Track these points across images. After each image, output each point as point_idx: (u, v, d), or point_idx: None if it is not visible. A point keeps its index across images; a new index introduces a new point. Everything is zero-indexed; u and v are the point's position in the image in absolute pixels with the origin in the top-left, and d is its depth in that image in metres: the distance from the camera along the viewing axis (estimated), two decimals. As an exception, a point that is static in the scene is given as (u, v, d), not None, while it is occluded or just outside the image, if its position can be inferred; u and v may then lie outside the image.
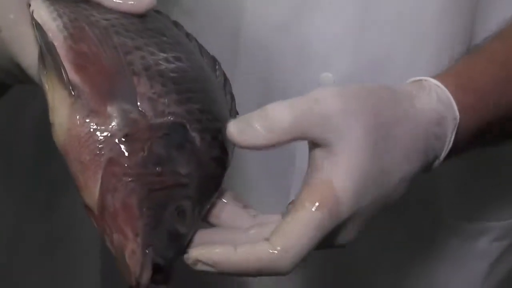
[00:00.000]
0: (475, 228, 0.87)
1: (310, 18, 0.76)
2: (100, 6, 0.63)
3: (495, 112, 0.66)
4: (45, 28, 0.60)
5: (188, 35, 0.67)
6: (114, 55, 0.59)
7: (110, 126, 0.57)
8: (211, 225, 0.62)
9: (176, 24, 0.68)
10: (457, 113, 0.63)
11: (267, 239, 0.56)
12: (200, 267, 0.57)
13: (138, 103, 0.58)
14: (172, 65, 0.61)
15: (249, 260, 0.56)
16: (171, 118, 0.59)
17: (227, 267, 0.56)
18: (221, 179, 0.61)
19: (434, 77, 0.64)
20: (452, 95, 0.64)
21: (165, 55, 0.61)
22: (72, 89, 0.57)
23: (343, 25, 0.76)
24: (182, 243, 0.58)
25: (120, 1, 0.62)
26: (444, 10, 0.75)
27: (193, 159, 0.59)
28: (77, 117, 0.57)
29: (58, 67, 0.58)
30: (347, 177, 0.57)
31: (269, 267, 0.56)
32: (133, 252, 0.56)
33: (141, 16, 0.63)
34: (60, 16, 0.61)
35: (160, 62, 0.60)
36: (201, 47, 0.67)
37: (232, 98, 0.66)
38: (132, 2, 0.62)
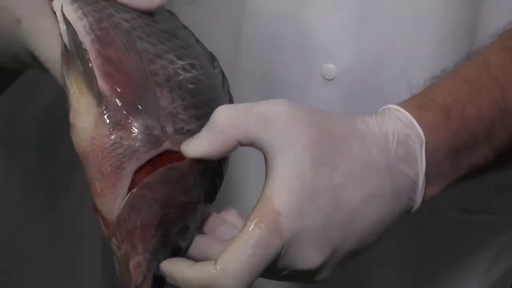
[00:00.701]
0: (476, 221, 0.86)
1: (313, 8, 0.76)
2: (114, 2, 0.62)
3: (468, 125, 0.64)
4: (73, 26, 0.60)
5: (185, 28, 0.67)
6: (139, 63, 0.59)
7: (134, 141, 0.58)
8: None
9: (171, 14, 0.67)
10: (421, 131, 0.62)
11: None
12: (167, 279, 0.59)
13: (161, 119, 0.59)
14: (189, 75, 0.61)
15: (196, 278, 0.57)
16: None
17: (180, 282, 0.58)
18: (217, 192, 0.63)
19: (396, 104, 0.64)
20: (414, 116, 0.62)
21: (182, 62, 0.62)
22: (101, 99, 0.58)
23: (345, 16, 0.75)
24: (180, 255, 0.61)
25: None
26: (447, 1, 0.75)
27: (204, 184, 0.61)
28: (103, 127, 0.58)
29: (88, 73, 0.58)
30: (286, 189, 0.56)
31: (212, 286, 0.56)
32: (138, 264, 0.59)
33: (152, 15, 0.63)
34: (85, 15, 0.61)
35: (179, 71, 0.61)
36: (199, 43, 0.67)
37: (230, 98, 0.66)
38: None
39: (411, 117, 0.62)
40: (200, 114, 0.60)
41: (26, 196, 1.21)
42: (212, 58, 0.66)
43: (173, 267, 0.59)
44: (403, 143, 0.61)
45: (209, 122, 0.58)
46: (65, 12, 0.60)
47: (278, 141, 0.57)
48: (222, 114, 0.57)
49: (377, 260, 0.87)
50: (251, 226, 0.56)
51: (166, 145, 0.59)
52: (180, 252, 0.60)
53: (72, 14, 0.60)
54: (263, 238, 0.55)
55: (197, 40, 0.67)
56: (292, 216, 0.56)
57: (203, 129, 0.58)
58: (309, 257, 0.58)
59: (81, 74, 0.58)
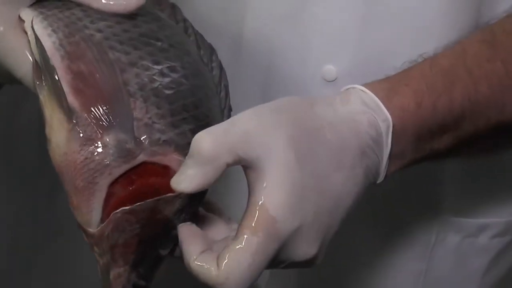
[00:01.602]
0: (475, 225, 0.87)
1: (314, 9, 0.76)
2: (92, 11, 0.62)
3: (438, 115, 0.65)
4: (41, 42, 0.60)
5: (185, 21, 0.67)
6: (110, 75, 0.59)
7: (106, 156, 0.58)
8: None
9: (173, 6, 0.67)
10: (388, 115, 0.63)
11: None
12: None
13: (134, 131, 0.58)
14: (167, 80, 0.61)
15: (200, 273, 0.57)
16: (171, 148, 0.59)
17: (186, 264, 0.58)
18: (204, 196, 0.62)
19: (363, 84, 0.64)
20: (380, 98, 0.63)
21: (159, 67, 0.61)
22: (71, 115, 0.58)
23: (346, 17, 0.75)
24: (161, 263, 0.61)
25: (110, 2, 0.62)
26: (449, 3, 0.74)
27: (188, 196, 0.60)
28: (75, 143, 0.58)
29: (57, 90, 0.58)
30: (277, 192, 0.57)
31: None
32: (119, 275, 0.59)
33: (134, 17, 0.63)
34: (55, 31, 0.61)
35: (155, 78, 0.60)
36: (197, 36, 0.66)
37: (227, 93, 0.65)
38: (122, 2, 0.62)
39: (378, 101, 0.63)
40: (177, 122, 0.60)
41: (26, 193, 1.21)
42: (211, 51, 0.66)
43: (185, 243, 0.59)
44: (371, 125, 0.62)
45: (193, 153, 0.57)
46: (35, 29, 0.60)
47: (263, 151, 0.57)
48: (204, 143, 0.57)
49: (376, 264, 0.87)
50: (248, 234, 0.57)
51: (141, 158, 0.58)
52: (161, 260, 0.61)
53: (42, 31, 0.60)
54: (262, 245, 0.57)
55: (195, 34, 0.66)
56: (287, 218, 0.57)
57: (188, 161, 0.57)
58: (305, 249, 0.59)
59: (51, 90, 0.58)
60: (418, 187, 0.84)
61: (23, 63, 0.60)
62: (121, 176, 0.58)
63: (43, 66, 0.59)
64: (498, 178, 0.86)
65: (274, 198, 0.57)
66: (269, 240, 0.57)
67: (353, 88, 0.64)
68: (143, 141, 0.58)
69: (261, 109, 0.59)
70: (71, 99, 0.58)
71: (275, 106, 0.60)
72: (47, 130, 0.59)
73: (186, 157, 0.58)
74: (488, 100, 0.67)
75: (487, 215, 0.87)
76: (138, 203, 0.58)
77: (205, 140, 0.57)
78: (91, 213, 0.58)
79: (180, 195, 0.59)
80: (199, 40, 0.66)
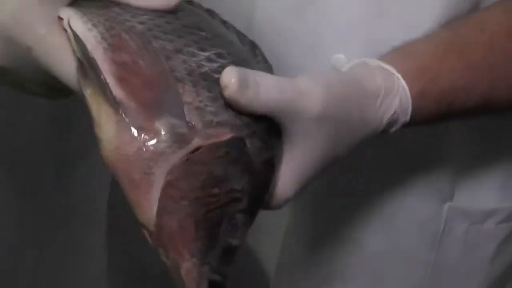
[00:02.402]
0: (482, 211, 0.87)
1: (324, 0, 0.76)
2: (131, 8, 0.61)
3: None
4: (83, 39, 0.58)
5: (225, 22, 0.66)
6: (155, 62, 0.57)
7: (159, 143, 0.55)
8: None
9: (210, 12, 0.66)
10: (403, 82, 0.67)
11: None
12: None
13: (186, 115, 0.56)
14: (215, 64, 0.59)
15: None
16: (222, 130, 0.57)
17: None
18: (271, 181, 0.60)
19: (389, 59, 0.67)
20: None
21: (206, 53, 0.59)
22: (117, 106, 0.55)
23: (357, 7, 0.76)
24: (235, 255, 0.57)
25: None
26: None
27: (246, 171, 0.57)
28: (125, 135, 0.55)
29: (102, 83, 0.56)
30: (287, 179, 0.60)
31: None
32: (188, 271, 0.55)
33: (174, 12, 0.62)
34: (95, 25, 0.59)
35: (203, 63, 0.59)
36: (239, 34, 0.66)
37: None
38: None
39: (410, 104, 0.66)
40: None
41: (37, 172, 1.22)
42: (254, 46, 0.65)
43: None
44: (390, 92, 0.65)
45: (258, 84, 0.57)
46: (74, 26, 0.59)
47: (301, 134, 0.60)
48: (272, 95, 0.58)
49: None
50: None
51: (197, 142, 0.56)
52: (233, 251, 0.57)
53: (82, 27, 0.59)
54: None
55: (234, 28, 0.66)
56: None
57: (251, 79, 0.57)
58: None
59: (96, 85, 0.57)
60: (425, 175, 0.84)
61: (65, 63, 0.59)
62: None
63: (85, 62, 0.57)
64: (504, 163, 0.86)
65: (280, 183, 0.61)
66: None
67: (395, 76, 0.66)
68: (196, 124, 0.56)
69: (330, 97, 0.61)
70: (117, 90, 0.56)
71: (340, 94, 0.62)
72: (96, 130, 0.57)
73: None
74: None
75: (493, 201, 0.87)
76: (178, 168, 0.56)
77: (274, 93, 0.58)
78: (152, 208, 0.55)
79: (212, 154, 0.56)
80: (241, 37, 0.65)
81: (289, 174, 0.61)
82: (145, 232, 0.57)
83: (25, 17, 0.60)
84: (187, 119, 0.56)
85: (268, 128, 0.59)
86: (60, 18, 0.60)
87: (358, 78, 0.65)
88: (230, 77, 0.57)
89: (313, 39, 0.78)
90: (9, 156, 1.23)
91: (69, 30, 0.59)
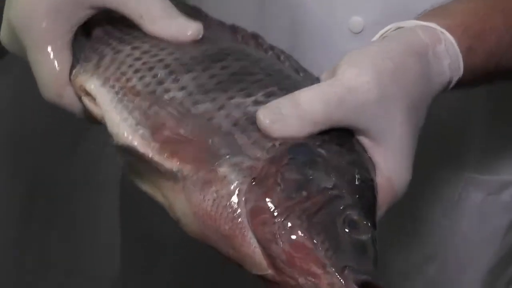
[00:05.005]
0: (498, 182, 0.86)
1: None
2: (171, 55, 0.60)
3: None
4: (115, 128, 0.58)
5: (273, 48, 0.64)
6: (197, 128, 0.56)
7: (231, 185, 0.53)
8: None
9: (255, 36, 0.65)
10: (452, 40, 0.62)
11: None
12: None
13: (245, 152, 0.55)
14: (263, 105, 0.57)
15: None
16: (284, 147, 0.55)
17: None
18: (370, 175, 0.57)
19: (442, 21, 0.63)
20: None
21: (253, 98, 0.57)
22: (176, 176, 0.54)
23: None
24: (374, 250, 0.54)
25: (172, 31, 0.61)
26: None
27: (331, 169, 0.55)
28: (195, 196, 0.54)
29: (151, 165, 0.55)
30: (402, 169, 0.57)
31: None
32: (331, 285, 0.51)
33: (223, 59, 0.60)
34: (130, 112, 0.58)
35: (249, 109, 0.57)
36: (291, 60, 0.64)
37: None
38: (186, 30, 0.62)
39: (461, 60, 0.62)
40: None
41: (44, 146, 1.22)
42: (306, 73, 0.63)
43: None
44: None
45: (296, 105, 0.55)
46: (108, 114, 0.59)
47: (373, 123, 0.56)
48: (318, 107, 0.55)
49: (398, 221, 0.87)
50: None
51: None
52: (368, 246, 0.53)
53: (117, 119, 0.58)
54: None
55: (288, 58, 0.64)
56: (405, 190, 0.59)
57: (286, 106, 0.55)
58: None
59: (148, 172, 0.56)
60: (443, 144, 0.84)
61: (46, 79, 0.61)
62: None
63: (127, 158, 0.57)
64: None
65: (399, 175, 0.57)
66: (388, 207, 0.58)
67: (442, 33, 0.62)
68: (259, 155, 0.54)
69: (381, 77, 0.56)
70: (168, 163, 0.55)
71: (393, 70, 0.57)
72: (171, 213, 0.56)
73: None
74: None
75: (510, 172, 0.86)
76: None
77: (318, 104, 0.55)
78: (256, 251, 0.53)
79: (281, 152, 0.54)
80: (295, 64, 0.64)
81: (399, 162, 0.58)
82: (270, 282, 0.53)
83: (29, 16, 0.60)
84: (249, 154, 0.55)
85: (339, 135, 0.57)
86: (85, 93, 0.61)
87: (401, 41, 0.60)
88: (260, 120, 0.55)
89: (331, 1, 0.77)
90: (23, 121, 1.23)
91: (103, 120, 0.59)
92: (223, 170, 0.54)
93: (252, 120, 0.56)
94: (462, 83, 0.63)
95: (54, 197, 1.28)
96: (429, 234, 0.88)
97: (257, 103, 0.57)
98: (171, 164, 0.55)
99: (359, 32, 0.77)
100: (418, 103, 0.58)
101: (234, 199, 0.53)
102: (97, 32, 0.64)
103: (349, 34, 0.77)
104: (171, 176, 0.55)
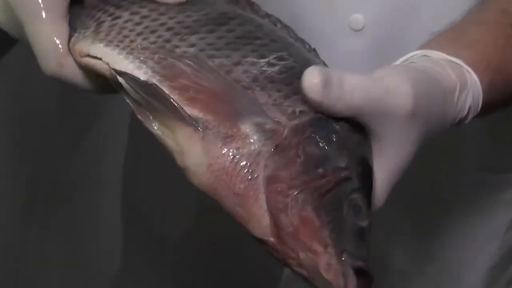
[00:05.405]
0: (501, 179, 0.87)
1: None
2: (178, 27, 0.59)
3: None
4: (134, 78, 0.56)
5: (269, 16, 0.64)
6: (217, 78, 0.55)
7: (252, 145, 0.53)
8: None
9: (251, 4, 0.64)
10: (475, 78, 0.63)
11: None
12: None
13: (267, 113, 0.54)
14: (277, 67, 0.56)
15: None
16: (306, 117, 0.54)
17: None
18: (371, 161, 0.57)
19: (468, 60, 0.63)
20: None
21: (266, 59, 0.57)
22: (196, 124, 0.53)
23: None
24: (368, 238, 0.54)
25: None
26: None
27: (344, 149, 0.55)
28: (214, 149, 0.53)
29: (171, 107, 0.54)
30: (381, 189, 0.57)
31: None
32: (328, 265, 0.52)
33: (226, 23, 0.59)
34: (143, 62, 0.57)
35: (264, 68, 0.56)
36: (288, 29, 0.63)
37: None
38: None
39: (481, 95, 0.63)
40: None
41: (44, 146, 1.22)
42: (303, 42, 0.62)
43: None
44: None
45: (342, 83, 0.54)
46: (120, 70, 0.57)
47: (390, 133, 0.57)
48: (357, 95, 0.54)
49: (402, 216, 0.87)
50: None
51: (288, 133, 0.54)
52: (364, 234, 0.54)
53: (129, 67, 0.57)
54: None
55: (285, 27, 0.63)
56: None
57: (334, 79, 0.54)
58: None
59: (164, 116, 0.54)
60: (443, 142, 0.83)
61: (46, 50, 0.59)
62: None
63: (143, 100, 0.55)
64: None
65: (380, 181, 0.57)
66: None
67: (468, 73, 0.63)
68: (280, 119, 0.54)
69: (419, 93, 0.57)
70: (189, 109, 0.54)
71: (427, 92, 0.58)
72: (179, 160, 0.54)
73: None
74: None
75: (511, 171, 0.87)
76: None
77: (359, 93, 0.54)
78: (266, 215, 0.52)
79: (297, 135, 0.54)
80: (292, 33, 0.63)
81: (385, 181, 0.58)
82: (268, 249, 0.54)
83: None
84: (271, 116, 0.54)
85: (351, 128, 0.57)
86: (92, 57, 0.59)
87: (432, 73, 0.61)
88: (312, 77, 0.54)
89: None
90: (23, 120, 1.23)
91: (112, 72, 0.57)
92: (245, 127, 0.53)
93: (269, 79, 0.56)
94: (480, 115, 0.65)
95: (54, 197, 1.28)
96: (429, 234, 0.88)
97: (271, 65, 0.57)
98: (192, 110, 0.54)
99: (360, 30, 0.77)
100: (427, 136, 0.59)
101: (255, 160, 0.53)
102: None
103: (349, 32, 0.77)
104: (192, 123, 0.53)
